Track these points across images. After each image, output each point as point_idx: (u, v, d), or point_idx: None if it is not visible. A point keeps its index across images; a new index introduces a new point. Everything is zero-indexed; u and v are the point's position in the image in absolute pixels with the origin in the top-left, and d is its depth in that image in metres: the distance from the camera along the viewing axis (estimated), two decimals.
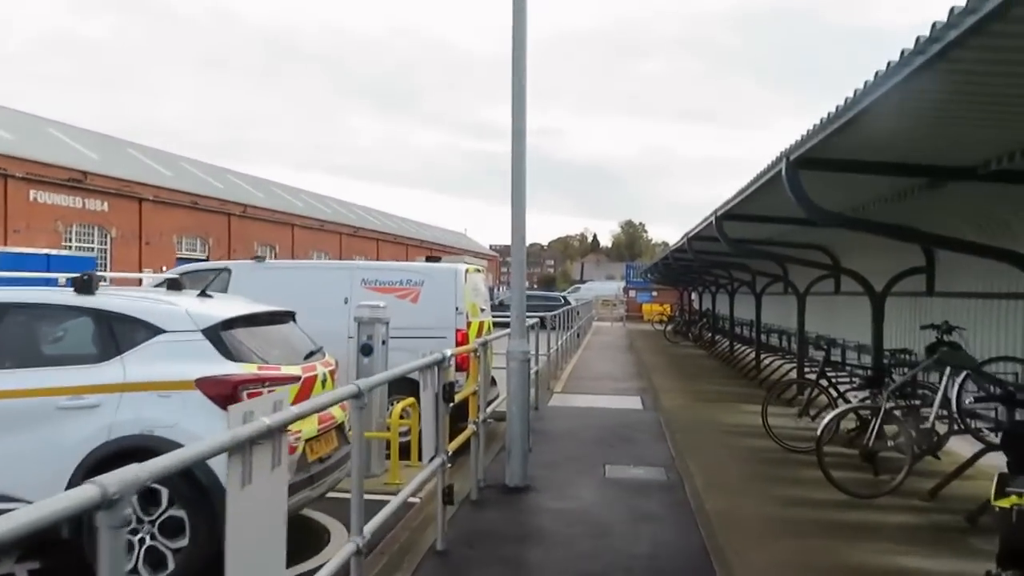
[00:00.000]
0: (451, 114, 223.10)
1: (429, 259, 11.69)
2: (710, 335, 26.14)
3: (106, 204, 43.39)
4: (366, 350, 8.44)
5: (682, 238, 15.47)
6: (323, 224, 64.19)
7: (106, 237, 43.64)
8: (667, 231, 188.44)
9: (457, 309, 9.95)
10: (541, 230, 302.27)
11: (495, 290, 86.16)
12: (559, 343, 18.85)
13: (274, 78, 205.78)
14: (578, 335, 25.65)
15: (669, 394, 14.49)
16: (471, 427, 7.09)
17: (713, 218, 10.72)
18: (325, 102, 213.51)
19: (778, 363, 16.40)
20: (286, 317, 6.71)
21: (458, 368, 8.35)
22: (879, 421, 7.49)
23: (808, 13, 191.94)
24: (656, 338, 29.98)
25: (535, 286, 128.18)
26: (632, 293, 45.95)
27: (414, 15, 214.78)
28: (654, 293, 44.76)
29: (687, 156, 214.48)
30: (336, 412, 6.29)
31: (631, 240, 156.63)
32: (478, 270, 11.38)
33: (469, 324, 10.13)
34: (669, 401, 13.63)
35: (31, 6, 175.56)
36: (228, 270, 10.35)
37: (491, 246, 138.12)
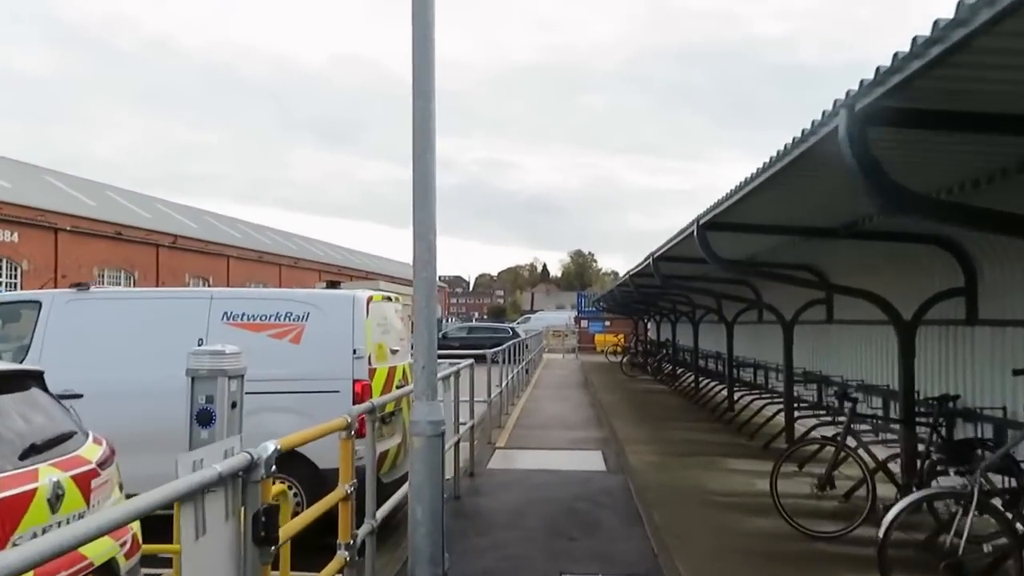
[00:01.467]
0: (395, 146, 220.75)
1: (330, 284, 8.90)
2: (671, 368, 23.69)
3: (16, 234, 39.53)
4: (203, 418, 5.59)
5: (646, 259, 12.87)
6: (261, 255, 60.69)
7: (16, 270, 39.72)
8: (615, 261, 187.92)
9: (355, 352, 7.17)
10: (491, 260, 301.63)
11: (443, 321, 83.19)
12: (504, 383, 16.14)
13: (215, 111, 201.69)
14: (527, 371, 22.96)
15: (636, 446, 11.78)
16: (340, 555, 4.26)
17: (695, 227, 8.13)
18: (268, 135, 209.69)
19: (755, 401, 13.86)
20: (18, 382, 3.88)
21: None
22: (969, 513, 4.91)
23: (743, 51, 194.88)
24: (612, 371, 27.40)
25: (485, 317, 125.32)
26: (584, 323, 43.42)
27: (356, 47, 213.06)
28: (607, 323, 42.30)
29: (632, 188, 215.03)
30: (96, 548, 3.48)
31: (581, 270, 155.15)
32: (389, 298, 8.51)
33: (373, 372, 7.34)
34: (637, 457, 10.91)
35: None
36: (38, 302, 7.39)
37: (440, 277, 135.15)
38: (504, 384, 15.68)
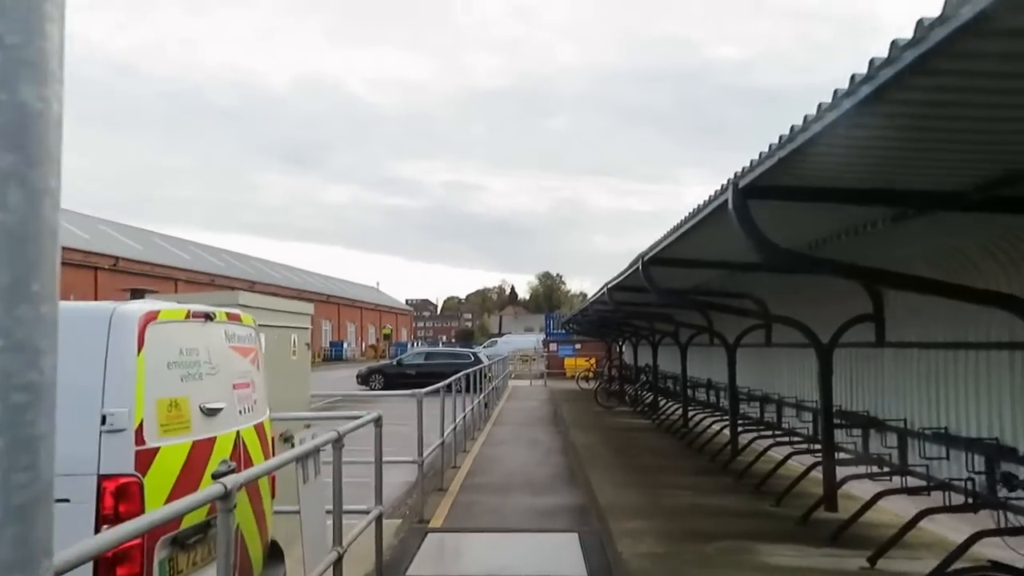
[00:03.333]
0: (361, 170, 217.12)
1: (134, 294, 5.31)
2: (651, 398, 20.30)
3: None
4: None
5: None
6: (213, 278, 56.50)
7: None
8: (584, 283, 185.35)
9: (105, 419, 3.67)
10: (458, 284, 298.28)
11: (410, 344, 79.25)
12: (456, 421, 12.61)
13: (179, 136, 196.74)
14: (486, 405, 19.40)
15: (626, 522, 8.23)
16: None
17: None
18: (232, 160, 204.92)
19: (769, 445, 10.47)
20: None
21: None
22: None
23: (703, 73, 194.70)
24: (584, 401, 23.91)
25: (453, 341, 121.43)
26: (553, 347, 39.94)
27: (319, 71, 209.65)
28: (577, 346, 38.83)
29: (598, 209, 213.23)
30: None
31: (549, 291, 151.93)
32: (210, 316, 4.81)
33: (152, 456, 3.80)
34: (631, 543, 7.35)
35: None
36: None
37: (407, 301, 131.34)
38: (454, 426, 12.14)
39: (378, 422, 6.23)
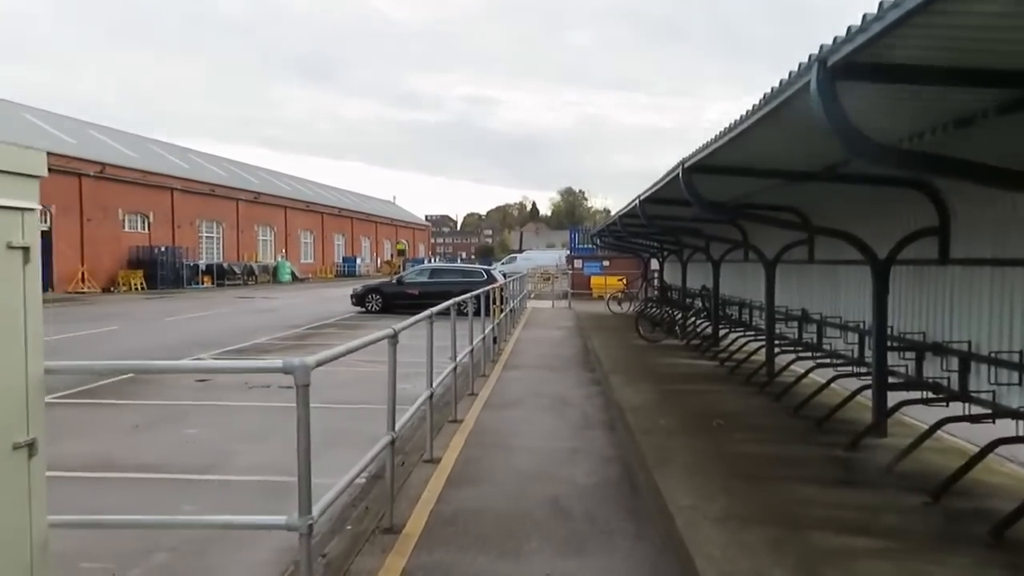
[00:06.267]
0: (379, 85, 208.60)
1: None
2: (709, 329, 15.40)
3: None
4: None
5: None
6: (213, 188, 51.57)
7: None
8: (606, 200, 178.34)
9: None
10: (479, 200, 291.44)
11: (427, 260, 74.63)
12: (446, 372, 7.88)
13: (195, 50, 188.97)
14: (495, 339, 14.52)
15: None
16: None
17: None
18: (250, 73, 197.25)
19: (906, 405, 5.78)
20: None
21: None
22: None
23: None
24: (619, 330, 19.07)
25: (473, 257, 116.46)
26: (578, 263, 34.82)
27: None
28: (606, 263, 33.78)
29: (621, 126, 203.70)
30: None
31: (571, 208, 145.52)
32: None
33: None
34: None
35: None
36: None
37: (426, 216, 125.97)
38: (442, 378, 7.36)
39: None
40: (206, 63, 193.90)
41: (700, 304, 16.34)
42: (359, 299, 25.35)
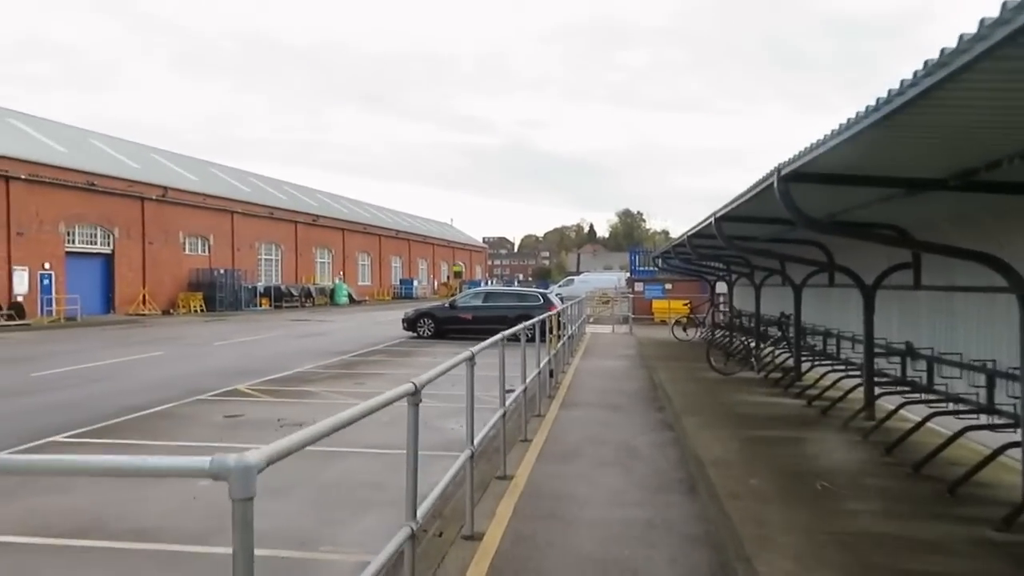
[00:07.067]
0: (435, 108, 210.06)
1: None
2: (789, 361, 13.77)
3: None
4: None
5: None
6: (272, 211, 51.64)
7: None
8: (663, 222, 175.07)
9: None
10: (537, 221, 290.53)
11: (484, 283, 73.67)
12: (495, 419, 6.58)
13: (255, 76, 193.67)
14: (552, 372, 13.14)
15: None
16: None
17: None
18: (308, 98, 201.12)
19: None
20: None
21: None
22: None
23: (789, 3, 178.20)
24: (686, 360, 17.52)
25: (529, 279, 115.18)
26: (639, 286, 33.16)
27: (395, 11, 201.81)
28: (668, 286, 32.09)
29: (677, 146, 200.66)
30: None
31: (629, 229, 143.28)
32: None
33: None
34: None
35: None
36: None
37: (484, 239, 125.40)
38: (475, 444, 6.02)
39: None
40: (266, 89, 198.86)
41: (779, 332, 14.67)
42: (410, 324, 24.27)
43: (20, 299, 32.66)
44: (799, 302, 13.71)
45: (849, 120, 5.09)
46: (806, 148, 6.16)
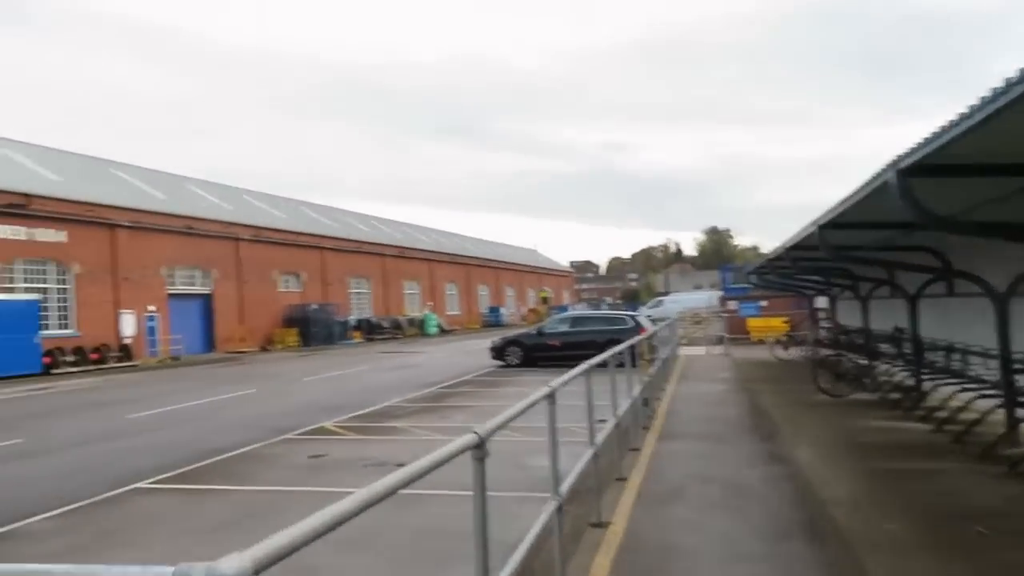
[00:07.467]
0: (515, 136, 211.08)
1: None
2: (910, 380, 12.47)
3: (63, 233, 32.64)
4: None
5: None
6: (361, 245, 52.45)
7: (66, 274, 32.84)
8: (752, 238, 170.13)
9: None
10: (622, 243, 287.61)
11: (571, 307, 72.96)
12: (583, 461, 5.88)
13: (339, 115, 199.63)
14: (646, 400, 12.28)
15: None
16: None
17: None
18: (391, 133, 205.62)
19: None
20: None
21: None
22: None
23: (882, 8, 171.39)
24: (791, 382, 16.30)
25: (618, 302, 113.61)
26: (733, 305, 31.78)
27: (470, 40, 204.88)
28: (763, 303, 30.64)
29: (763, 160, 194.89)
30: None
31: (717, 247, 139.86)
32: None
33: None
34: None
35: (94, 61, 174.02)
36: None
37: (570, 263, 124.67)
38: (563, 492, 5.29)
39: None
40: (351, 126, 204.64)
41: (893, 349, 13.42)
42: (498, 352, 23.77)
43: (128, 341, 33.92)
44: (915, 314, 12.48)
45: (995, 91, 4.24)
46: (931, 135, 5.32)
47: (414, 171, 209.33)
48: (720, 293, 36.26)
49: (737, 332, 29.90)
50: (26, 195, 31.32)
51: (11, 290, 30.05)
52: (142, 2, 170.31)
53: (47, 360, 28.69)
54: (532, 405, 4.15)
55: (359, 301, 51.89)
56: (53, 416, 16.17)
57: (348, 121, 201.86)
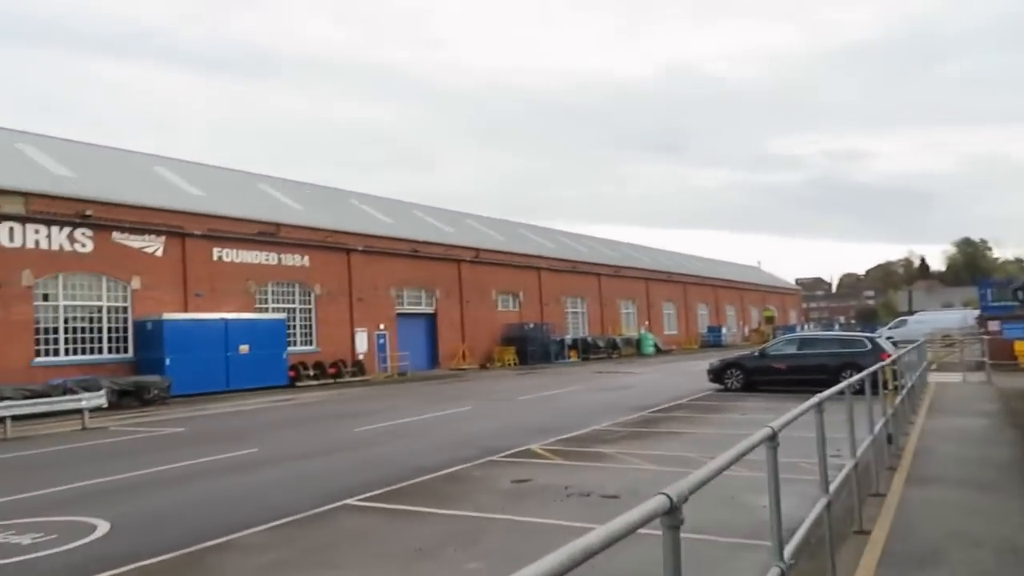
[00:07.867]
0: (730, 151, 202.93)
1: None
2: None
3: (306, 258, 35.80)
4: None
5: None
6: (576, 265, 52.68)
7: (309, 295, 35.96)
8: (1016, 249, 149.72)
9: None
10: (855, 259, 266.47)
11: (800, 327, 68.25)
12: (823, 503, 4.88)
13: (547, 140, 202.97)
14: (890, 437, 10.51)
15: None
16: None
17: None
18: (599, 154, 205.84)
19: None
20: None
21: None
22: None
23: None
24: None
25: (852, 322, 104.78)
26: (994, 325, 27.54)
27: (675, 56, 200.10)
28: None
29: (1021, 161, 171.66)
30: None
31: (971, 260, 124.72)
32: None
33: None
34: None
35: (330, 104, 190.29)
36: None
37: (796, 280, 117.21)
38: (787, 558, 4.39)
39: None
40: (565, 149, 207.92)
41: None
42: (716, 375, 22.36)
43: (361, 357, 36.42)
44: None
45: None
46: None
47: (624, 190, 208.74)
48: (977, 312, 31.80)
49: (1001, 357, 25.90)
50: (276, 224, 34.71)
51: (264, 310, 33.32)
52: (371, 52, 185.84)
53: (292, 374, 31.44)
54: (744, 453, 3.35)
55: (574, 320, 52.04)
56: (288, 426, 17.39)
57: (559, 144, 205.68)
